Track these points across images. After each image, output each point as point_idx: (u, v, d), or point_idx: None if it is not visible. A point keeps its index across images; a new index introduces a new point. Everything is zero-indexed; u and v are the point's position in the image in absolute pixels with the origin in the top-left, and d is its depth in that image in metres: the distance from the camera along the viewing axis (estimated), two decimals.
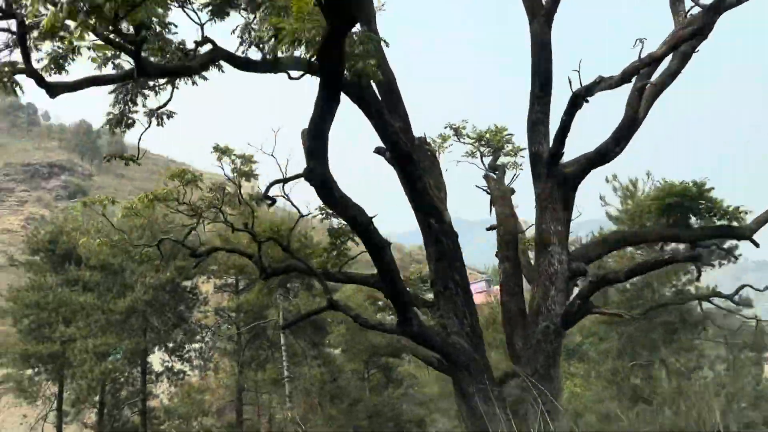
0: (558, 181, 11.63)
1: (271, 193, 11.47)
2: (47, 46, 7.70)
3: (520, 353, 11.54)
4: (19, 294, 30.42)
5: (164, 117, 10.63)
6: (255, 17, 9.06)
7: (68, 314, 29.18)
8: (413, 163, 11.00)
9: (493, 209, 14.07)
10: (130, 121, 10.39)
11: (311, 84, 8.48)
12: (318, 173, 8.69)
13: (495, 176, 14.49)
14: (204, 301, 28.62)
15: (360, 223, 9.61)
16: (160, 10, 7.17)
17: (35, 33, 7.37)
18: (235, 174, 13.20)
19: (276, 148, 11.84)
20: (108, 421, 32.44)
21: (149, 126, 10.58)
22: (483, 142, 14.77)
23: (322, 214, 12.87)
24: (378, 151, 11.39)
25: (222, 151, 12.92)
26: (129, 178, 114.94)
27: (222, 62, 9.27)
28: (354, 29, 7.87)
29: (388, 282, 10.25)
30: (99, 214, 13.80)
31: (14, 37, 7.54)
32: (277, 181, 11.06)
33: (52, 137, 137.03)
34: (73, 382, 29.53)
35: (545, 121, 11.94)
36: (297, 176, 10.01)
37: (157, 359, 29.81)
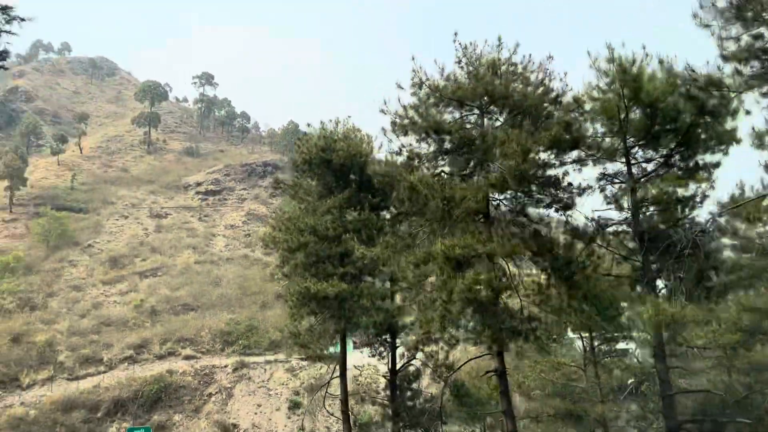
0: None
1: None
2: None
3: None
4: (291, 219, 22.73)
5: None
6: None
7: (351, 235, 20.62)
8: None
9: None
10: None
11: None
12: None
13: None
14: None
15: None
16: None
17: None
18: None
19: None
20: (402, 393, 23.46)
21: None
22: None
23: None
24: None
25: None
26: None
27: None
28: None
29: None
30: None
31: None
32: None
33: (263, 142, 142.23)
34: (366, 333, 20.85)
35: None
36: None
37: None
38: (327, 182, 24.24)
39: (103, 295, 79.99)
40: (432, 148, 16.42)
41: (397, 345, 23.71)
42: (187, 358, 68.70)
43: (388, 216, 23.83)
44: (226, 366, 66.88)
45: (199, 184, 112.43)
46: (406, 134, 16.58)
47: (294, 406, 62.09)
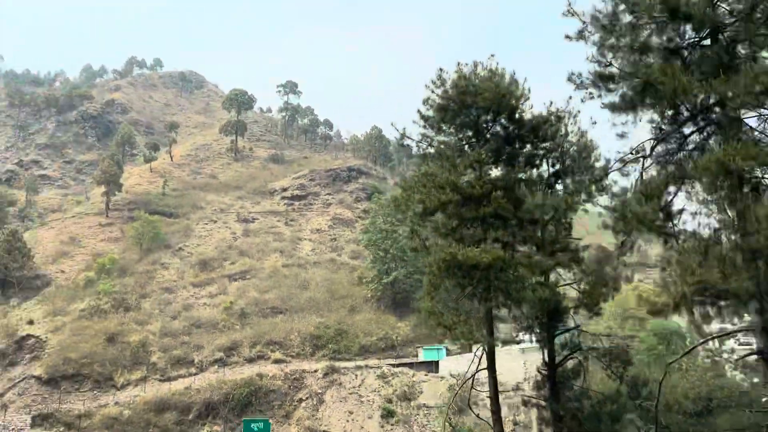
0: None
1: None
2: None
3: None
4: (427, 174, 18.71)
5: None
6: None
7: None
8: None
9: None
10: None
11: None
12: None
13: None
14: None
15: None
16: None
17: None
18: None
19: None
20: (564, 392, 18.84)
21: None
22: None
23: None
24: None
25: None
26: None
27: None
28: None
29: None
30: None
31: None
32: None
33: (345, 149, 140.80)
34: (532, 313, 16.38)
35: None
36: None
37: None
38: (465, 135, 20.08)
39: (193, 297, 79.49)
40: (665, 37, 11.88)
41: (556, 332, 19.08)
42: (277, 361, 66.42)
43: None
44: (316, 371, 63.77)
45: (284, 190, 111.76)
46: (609, 29, 12.15)
47: (387, 414, 57.96)
